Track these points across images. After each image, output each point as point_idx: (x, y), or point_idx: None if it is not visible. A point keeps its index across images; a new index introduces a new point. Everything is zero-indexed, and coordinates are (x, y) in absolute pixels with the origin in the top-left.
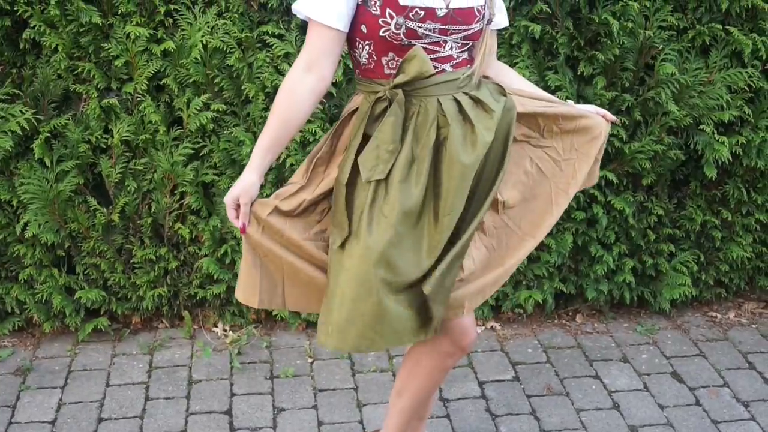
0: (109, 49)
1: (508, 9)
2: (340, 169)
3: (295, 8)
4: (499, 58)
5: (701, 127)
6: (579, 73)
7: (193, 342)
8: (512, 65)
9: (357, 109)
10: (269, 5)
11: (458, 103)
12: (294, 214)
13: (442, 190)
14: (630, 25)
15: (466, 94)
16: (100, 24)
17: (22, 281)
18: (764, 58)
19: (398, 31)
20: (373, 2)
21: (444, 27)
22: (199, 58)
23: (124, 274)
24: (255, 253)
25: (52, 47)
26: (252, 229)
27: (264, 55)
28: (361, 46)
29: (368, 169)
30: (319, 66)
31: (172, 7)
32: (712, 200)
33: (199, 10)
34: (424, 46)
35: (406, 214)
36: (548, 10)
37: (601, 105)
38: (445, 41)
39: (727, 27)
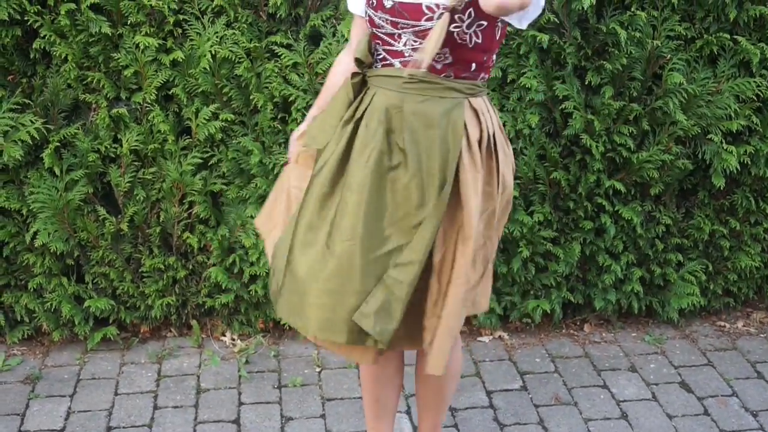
0: (118, 59)
1: None
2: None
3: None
4: (506, 68)
5: (709, 136)
6: (587, 83)
7: (201, 351)
8: (520, 75)
9: None
10: (278, 15)
11: (391, 102)
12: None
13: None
14: (638, 34)
15: (403, 98)
16: (110, 34)
17: (32, 290)
18: None
19: (365, 17)
20: None
21: (393, 19)
22: (208, 68)
23: (133, 283)
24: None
25: (62, 57)
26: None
27: (272, 65)
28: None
29: (310, 136)
30: (352, 44)
31: (181, 17)
32: (720, 210)
33: (208, 21)
34: (381, 36)
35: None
36: (556, 20)
37: (608, 114)
38: (399, 35)
39: (735, 36)
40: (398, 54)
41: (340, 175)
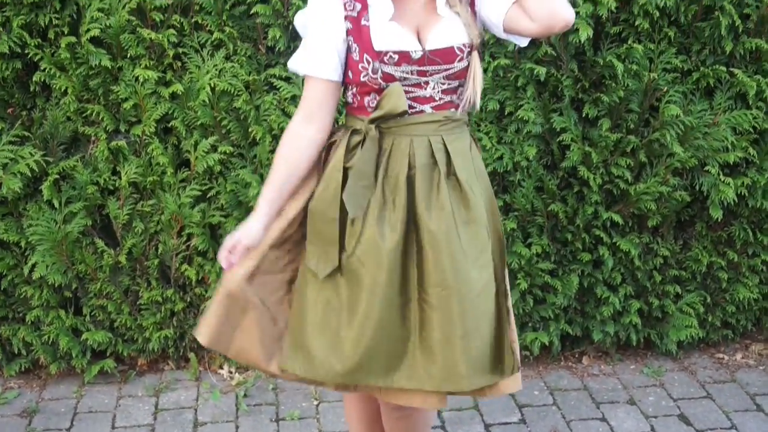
0: (118, 91)
1: (512, 52)
2: (319, 199)
3: (290, 66)
4: (504, 101)
5: (706, 168)
6: (584, 115)
7: (199, 384)
8: (518, 107)
9: (335, 141)
10: (277, 48)
11: (430, 145)
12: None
13: (425, 258)
14: (634, 67)
15: (442, 138)
16: (110, 67)
17: (29, 323)
18: None
19: (375, 76)
20: (354, 48)
21: (422, 69)
22: (207, 101)
23: (131, 315)
24: (227, 293)
25: (62, 90)
26: (238, 271)
27: (271, 98)
28: (348, 88)
29: (351, 205)
30: (318, 117)
31: (180, 50)
32: (717, 241)
33: (208, 54)
34: (404, 86)
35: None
36: (553, 52)
37: (606, 146)
38: (427, 82)
39: (732, 69)
40: (428, 99)
41: (411, 231)
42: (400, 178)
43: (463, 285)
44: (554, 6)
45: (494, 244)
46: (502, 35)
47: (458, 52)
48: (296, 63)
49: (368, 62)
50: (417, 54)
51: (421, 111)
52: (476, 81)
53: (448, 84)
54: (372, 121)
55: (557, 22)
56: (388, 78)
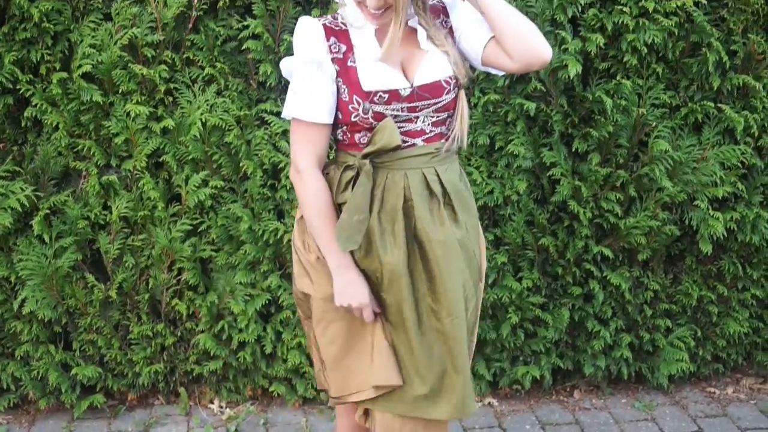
0: (109, 126)
1: (502, 87)
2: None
3: (286, 114)
4: (494, 136)
5: (696, 203)
6: (574, 150)
7: (189, 419)
8: (508, 142)
9: (327, 176)
10: (268, 84)
11: (425, 178)
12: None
13: (435, 276)
14: (623, 102)
15: (435, 170)
16: (101, 102)
17: (18, 357)
18: (756, 134)
19: (366, 115)
20: (343, 90)
21: (412, 105)
22: (198, 136)
23: (121, 350)
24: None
25: (54, 125)
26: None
27: (262, 133)
28: (337, 127)
29: (343, 239)
30: (323, 158)
31: (172, 85)
32: (707, 275)
33: (199, 89)
34: (395, 122)
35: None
36: (542, 88)
37: (595, 181)
38: (417, 116)
39: (719, 105)
40: (419, 132)
41: (414, 256)
42: (396, 208)
43: (463, 311)
44: (531, 45)
45: (476, 275)
46: (481, 68)
47: (445, 84)
48: (293, 110)
49: (358, 103)
50: (406, 91)
51: (413, 144)
52: (463, 119)
53: (438, 116)
54: (365, 156)
55: (535, 60)
56: (379, 117)
